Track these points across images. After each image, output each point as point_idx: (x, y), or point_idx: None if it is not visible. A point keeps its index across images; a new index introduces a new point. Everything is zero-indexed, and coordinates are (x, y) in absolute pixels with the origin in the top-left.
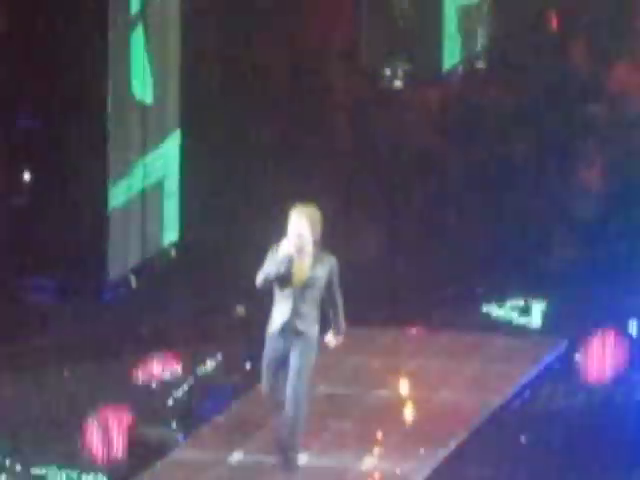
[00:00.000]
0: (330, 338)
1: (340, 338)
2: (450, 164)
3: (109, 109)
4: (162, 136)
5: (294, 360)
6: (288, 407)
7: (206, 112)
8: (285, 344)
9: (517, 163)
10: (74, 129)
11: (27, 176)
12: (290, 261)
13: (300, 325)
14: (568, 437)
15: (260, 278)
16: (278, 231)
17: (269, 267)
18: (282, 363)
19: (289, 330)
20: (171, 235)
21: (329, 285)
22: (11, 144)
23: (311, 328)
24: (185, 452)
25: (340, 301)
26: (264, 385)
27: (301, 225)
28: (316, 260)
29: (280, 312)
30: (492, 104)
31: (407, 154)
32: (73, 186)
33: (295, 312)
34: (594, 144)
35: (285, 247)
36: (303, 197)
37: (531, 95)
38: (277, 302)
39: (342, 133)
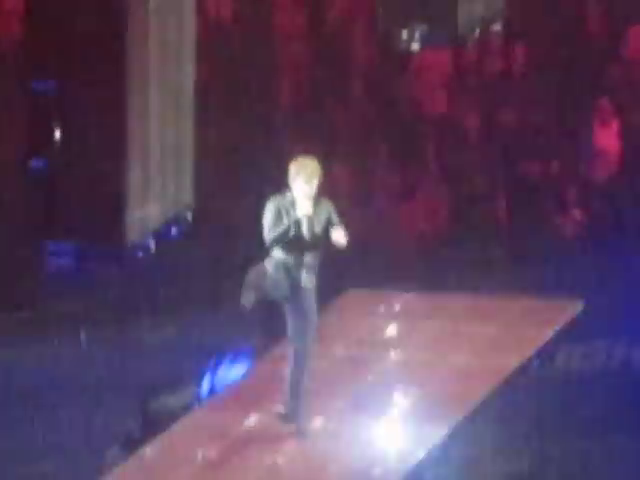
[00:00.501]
0: (338, 234)
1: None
2: (468, 128)
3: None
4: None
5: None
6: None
7: (224, 78)
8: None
9: (536, 127)
10: (93, 97)
11: (46, 141)
12: (310, 221)
13: (307, 275)
14: (585, 399)
15: (273, 238)
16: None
17: (283, 227)
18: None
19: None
20: (188, 199)
21: (329, 223)
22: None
23: (314, 278)
24: (204, 416)
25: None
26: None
27: (312, 183)
28: (316, 206)
29: (297, 261)
30: (509, 67)
31: (424, 118)
32: (93, 153)
33: (302, 263)
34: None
35: (304, 208)
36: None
37: (549, 58)
38: (290, 251)
39: (360, 96)
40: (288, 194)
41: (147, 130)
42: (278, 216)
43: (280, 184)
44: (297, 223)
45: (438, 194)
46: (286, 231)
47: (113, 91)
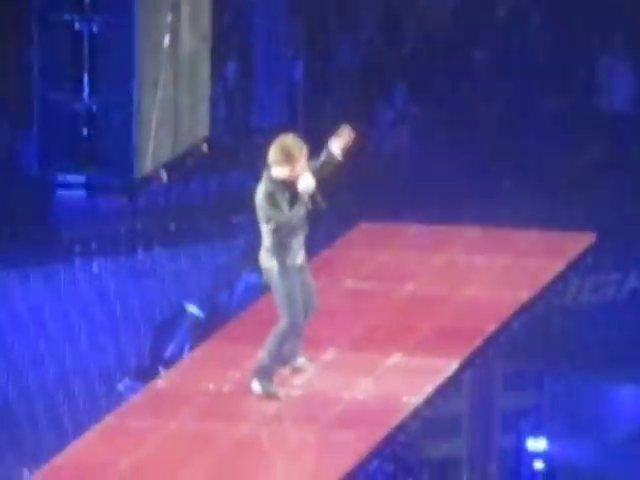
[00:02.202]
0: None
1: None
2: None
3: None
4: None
5: (310, 278)
6: (313, 312)
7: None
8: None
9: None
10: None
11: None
12: (315, 192)
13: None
14: (596, 331)
15: (296, 218)
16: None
17: (299, 205)
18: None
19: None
20: (202, 130)
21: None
22: None
23: None
24: (214, 348)
25: None
26: (300, 319)
27: (305, 156)
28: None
29: (298, 242)
30: None
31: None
32: (102, 83)
33: (304, 238)
34: None
35: (309, 182)
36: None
37: None
38: (293, 231)
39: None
40: (273, 177)
41: (159, 57)
42: (283, 198)
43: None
44: (313, 198)
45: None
46: (299, 208)
47: (124, 17)
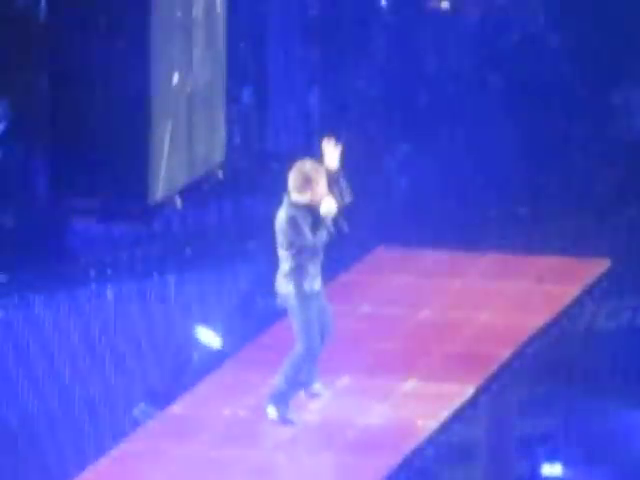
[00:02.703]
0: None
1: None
2: (492, 87)
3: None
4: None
5: (327, 303)
6: (329, 338)
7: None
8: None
9: (565, 88)
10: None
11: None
12: (336, 216)
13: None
14: (613, 358)
15: (319, 243)
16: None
17: (322, 229)
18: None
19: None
20: (218, 156)
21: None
22: None
23: None
24: (230, 374)
25: None
26: (316, 345)
27: (325, 180)
28: None
29: (316, 268)
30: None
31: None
32: (116, 105)
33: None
34: None
35: (331, 205)
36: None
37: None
38: (313, 256)
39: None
40: (294, 202)
41: (173, 82)
42: (305, 222)
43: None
44: (335, 221)
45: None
46: (323, 231)
47: (137, 39)
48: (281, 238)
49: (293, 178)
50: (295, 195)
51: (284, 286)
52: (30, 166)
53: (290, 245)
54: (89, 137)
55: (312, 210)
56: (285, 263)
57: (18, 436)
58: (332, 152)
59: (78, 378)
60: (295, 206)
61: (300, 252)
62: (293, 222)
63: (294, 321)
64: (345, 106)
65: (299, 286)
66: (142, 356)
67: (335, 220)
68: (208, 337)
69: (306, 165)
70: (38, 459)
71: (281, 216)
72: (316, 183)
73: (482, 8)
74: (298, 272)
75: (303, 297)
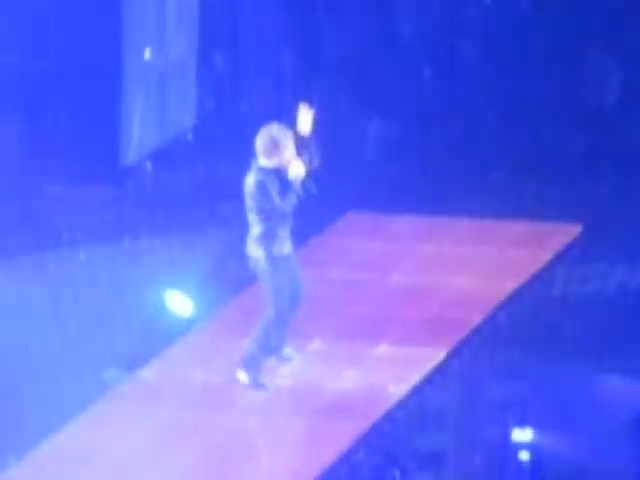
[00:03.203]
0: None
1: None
2: (464, 53)
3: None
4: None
5: (298, 267)
6: (300, 302)
7: None
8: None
9: (537, 53)
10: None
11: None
12: (305, 179)
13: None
14: (585, 322)
15: (288, 206)
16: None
17: (291, 192)
18: None
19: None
20: (189, 120)
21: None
22: None
23: None
24: (200, 338)
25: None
26: (287, 309)
27: (292, 144)
28: None
29: (286, 231)
30: None
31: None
32: (87, 71)
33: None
34: None
35: (299, 168)
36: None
37: None
38: (282, 220)
39: None
40: (262, 167)
41: (145, 47)
42: (274, 186)
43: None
44: (304, 185)
45: None
46: (292, 193)
47: (109, 5)
48: (250, 202)
49: (261, 143)
50: (263, 160)
51: (254, 250)
52: (1, 131)
53: (259, 210)
54: (60, 101)
55: (280, 174)
56: (255, 227)
57: None
58: (305, 116)
59: (44, 341)
60: (263, 171)
61: (269, 216)
62: (261, 187)
63: (265, 285)
64: (318, 70)
65: (269, 250)
66: (112, 320)
67: (304, 183)
68: (179, 302)
69: (273, 129)
70: (7, 422)
71: (249, 181)
72: (284, 147)
73: None
74: (268, 236)
75: (273, 261)
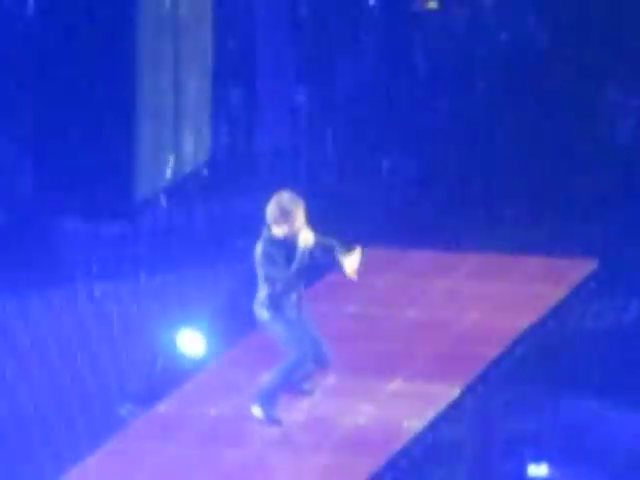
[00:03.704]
0: (349, 266)
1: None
2: (480, 88)
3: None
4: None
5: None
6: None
7: None
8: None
9: (551, 90)
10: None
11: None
12: (313, 248)
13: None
14: (600, 358)
15: (290, 276)
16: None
17: (299, 261)
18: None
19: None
20: (203, 154)
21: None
22: None
23: None
24: (216, 373)
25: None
26: (307, 352)
27: (303, 212)
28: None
29: (290, 297)
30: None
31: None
32: (102, 105)
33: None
34: None
35: (308, 238)
36: None
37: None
38: (289, 288)
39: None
40: (271, 234)
41: (161, 81)
42: (280, 256)
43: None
44: (311, 253)
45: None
46: (301, 261)
47: (123, 38)
48: (259, 270)
49: (271, 211)
50: (273, 228)
51: (260, 312)
52: (15, 165)
53: (265, 278)
54: (75, 136)
55: (289, 243)
56: (261, 291)
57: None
58: (355, 259)
59: (57, 377)
60: (271, 240)
61: (276, 284)
62: (267, 257)
63: (280, 341)
64: (333, 106)
65: (273, 313)
66: (127, 356)
67: (312, 252)
68: (192, 340)
69: (283, 198)
70: (17, 455)
71: (258, 250)
72: (294, 216)
73: (469, 7)
74: (272, 300)
75: (279, 319)
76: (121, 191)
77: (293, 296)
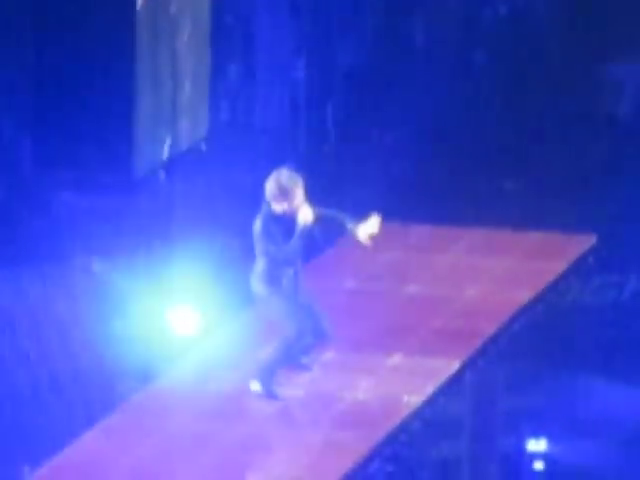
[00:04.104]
0: (364, 232)
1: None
2: (479, 62)
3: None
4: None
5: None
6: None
7: None
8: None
9: (553, 62)
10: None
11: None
12: (312, 225)
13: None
14: (598, 333)
15: (293, 251)
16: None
17: (297, 238)
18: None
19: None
20: (201, 130)
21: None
22: None
23: None
24: (213, 346)
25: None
26: (305, 326)
27: (302, 189)
28: None
29: (288, 272)
30: None
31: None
32: (101, 81)
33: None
34: None
35: (308, 215)
36: None
37: None
38: (286, 264)
39: None
40: (270, 210)
41: (159, 58)
42: (279, 232)
43: None
44: (310, 229)
45: None
46: (299, 241)
47: (121, 10)
48: (257, 246)
49: (270, 188)
50: (272, 205)
51: (257, 286)
52: (15, 141)
53: (263, 252)
54: (73, 111)
55: (288, 219)
56: (258, 265)
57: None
58: (372, 228)
59: (55, 352)
60: (270, 216)
61: (273, 260)
62: (266, 232)
63: (274, 317)
64: (332, 81)
65: (271, 287)
66: (122, 331)
67: (311, 229)
68: (186, 317)
69: (282, 175)
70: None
71: (256, 226)
72: (293, 194)
73: None
74: (270, 276)
75: (275, 294)
76: (119, 166)
77: (290, 271)
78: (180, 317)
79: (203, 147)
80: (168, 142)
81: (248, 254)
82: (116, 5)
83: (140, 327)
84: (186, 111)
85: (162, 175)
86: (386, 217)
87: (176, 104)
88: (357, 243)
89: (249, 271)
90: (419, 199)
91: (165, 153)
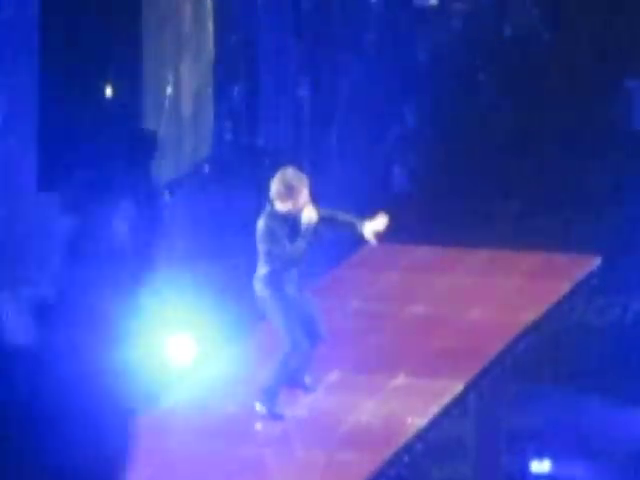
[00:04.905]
0: (370, 229)
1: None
2: (484, 82)
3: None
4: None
5: (314, 308)
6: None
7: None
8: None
9: (555, 83)
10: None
11: None
12: (316, 225)
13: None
14: (602, 354)
15: (297, 251)
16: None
17: (301, 238)
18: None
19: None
20: (205, 150)
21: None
22: None
23: None
24: (217, 366)
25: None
26: (302, 340)
27: (307, 189)
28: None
29: (291, 274)
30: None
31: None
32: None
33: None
34: None
35: (312, 215)
36: None
37: None
38: (290, 264)
39: None
40: (274, 210)
41: (163, 77)
42: (283, 233)
43: None
44: (313, 229)
45: None
46: (303, 240)
47: (128, 35)
48: (260, 247)
49: (275, 187)
50: (277, 204)
51: (260, 290)
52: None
53: (267, 253)
54: (78, 133)
55: (293, 219)
56: (262, 268)
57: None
58: (378, 225)
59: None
60: (274, 215)
61: (276, 260)
62: (270, 232)
63: (274, 323)
64: (335, 101)
65: (273, 290)
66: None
67: (315, 230)
68: (187, 344)
69: (288, 173)
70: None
71: (260, 226)
72: (298, 192)
73: (470, 4)
74: (273, 278)
75: (278, 299)
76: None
77: (293, 272)
78: (178, 345)
79: (206, 169)
80: (171, 164)
81: (249, 278)
82: (121, 25)
83: (139, 356)
84: (189, 133)
85: (166, 195)
86: (389, 238)
87: (179, 126)
88: (360, 264)
89: (250, 297)
90: (422, 219)
91: (169, 174)
